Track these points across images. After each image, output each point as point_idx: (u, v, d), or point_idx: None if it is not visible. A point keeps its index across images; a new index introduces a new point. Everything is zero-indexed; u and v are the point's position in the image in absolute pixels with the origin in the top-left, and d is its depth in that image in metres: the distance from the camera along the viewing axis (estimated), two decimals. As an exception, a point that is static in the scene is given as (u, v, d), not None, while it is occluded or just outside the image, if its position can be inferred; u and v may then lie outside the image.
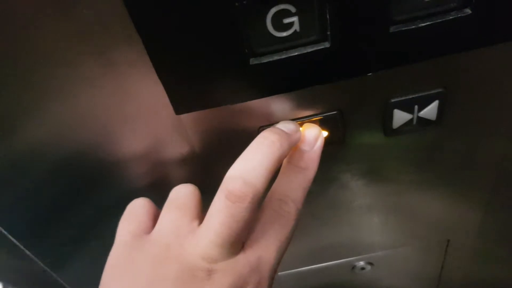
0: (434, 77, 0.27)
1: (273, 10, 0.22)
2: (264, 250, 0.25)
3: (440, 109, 0.28)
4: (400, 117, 0.29)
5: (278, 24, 0.22)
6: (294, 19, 0.22)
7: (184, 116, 0.27)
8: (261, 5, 0.22)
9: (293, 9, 0.22)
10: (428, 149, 0.33)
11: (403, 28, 0.23)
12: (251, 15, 0.22)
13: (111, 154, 0.29)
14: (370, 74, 0.25)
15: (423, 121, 0.29)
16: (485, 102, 0.29)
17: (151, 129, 0.28)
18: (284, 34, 0.23)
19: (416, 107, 0.28)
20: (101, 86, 0.25)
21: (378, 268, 0.48)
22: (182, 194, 0.28)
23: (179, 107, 0.26)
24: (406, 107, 0.28)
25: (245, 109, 0.27)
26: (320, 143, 0.28)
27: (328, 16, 0.22)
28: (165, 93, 0.25)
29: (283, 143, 0.25)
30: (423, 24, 0.23)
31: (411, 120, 0.29)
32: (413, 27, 0.23)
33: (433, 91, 0.27)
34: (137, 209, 0.28)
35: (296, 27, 0.23)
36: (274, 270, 0.26)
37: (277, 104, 0.28)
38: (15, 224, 0.33)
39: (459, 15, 0.23)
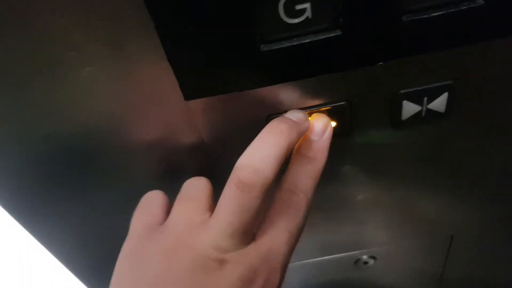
0: (445, 68, 0.27)
1: (286, -4, 0.22)
2: (275, 241, 0.25)
3: (450, 101, 0.28)
4: (409, 108, 0.28)
5: (290, 10, 0.22)
6: (307, 5, 0.22)
7: (193, 103, 0.27)
8: (273, -9, 0.21)
9: (305, -5, 0.22)
10: (435, 142, 0.33)
11: (416, 17, 0.23)
12: (263, 0, 0.22)
13: (117, 141, 0.29)
14: (381, 63, 0.25)
15: (432, 113, 0.29)
16: (495, 96, 0.29)
17: (159, 115, 0.28)
18: (296, 20, 0.23)
19: (425, 99, 0.28)
20: (110, 71, 0.25)
21: (382, 262, 0.48)
22: (194, 187, 0.28)
23: (189, 93, 0.25)
24: (415, 98, 0.28)
25: (253, 97, 0.27)
26: (328, 133, 0.27)
27: (340, 4, 0.22)
28: (174, 78, 0.25)
29: (292, 132, 0.25)
30: (435, 14, 0.23)
31: (420, 112, 0.29)
32: (426, 16, 0.23)
33: (443, 83, 0.27)
34: (150, 201, 0.29)
35: (308, 13, 0.22)
36: (286, 262, 0.26)
37: (286, 93, 0.27)
38: (19, 211, 0.33)
39: (472, 6, 0.23)
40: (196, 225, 0.25)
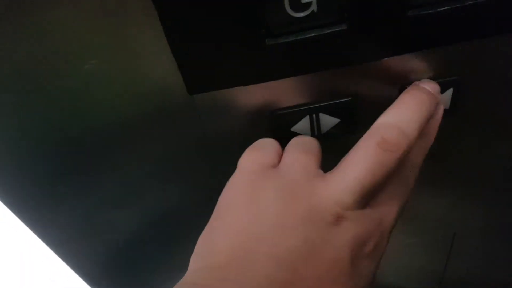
0: (450, 64, 0.27)
1: (292, -11, 0.22)
2: (387, 209, 0.25)
3: (454, 97, 0.28)
4: (413, 104, 0.28)
5: (296, 4, 0.22)
6: (312, -1, 0.22)
7: (197, 97, 0.27)
8: (279, -16, 0.21)
9: (311, -11, 0.22)
10: (438, 139, 0.32)
11: (422, 12, 0.23)
12: (269, -6, 0.22)
13: (120, 135, 0.29)
14: (386, 58, 0.25)
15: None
16: (501, 93, 0.29)
17: (163, 110, 0.28)
18: (302, 14, 0.23)
19: (430, 94, 0.28)
20: (114, 63, 0.25)
21: (383, 260, 0.48)
22: (307, 141, 0.27)
23: (193, 87, 0.25)
24: (420, 94, 0.28)
25: (258, 91, 0.27)
26: (441, 111, 0.27)
27: (346, -3, 0.22)
28: (178, 72, 0.25)
29: (432, 104, 0.25)
30: (441, 9, 0.23)
31: (425, 108, 0.29)
32: (431, 11, 0.23)
33: (448, 79, 0.27)
34: (264, 143, 0.27)
35: (314, 7, 0.22)
36: (391, 231, 0.26)
37: (290, 88, 0.27)
38: (22, 209, 0.33)
39: (478, 0, 0.23)
40: (314, 175, 0.24)
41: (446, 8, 0.23)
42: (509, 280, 0.50)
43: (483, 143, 0.33)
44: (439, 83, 0.27)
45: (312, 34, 0.23)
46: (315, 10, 0.23)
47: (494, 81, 0.28)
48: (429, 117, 0.24)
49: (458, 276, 0.51)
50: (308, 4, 0.22)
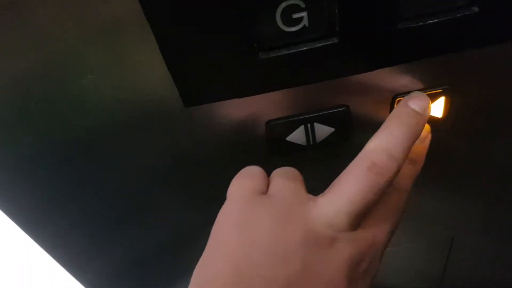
0: (441, 73, 0.27)
1: (283, 5, 0.22)
2: (379, 230, 0.25)
3: (447, 106, 0.29)
4: (406, 113, 0.29)
5: (287, 19, 0.23)
6: (303, 14, 0.23)
7: (193, 109, 0.27)
8: (271, 0, 0.22)
9: (302, 4, 0.22)
10: (433, 146, 0.33)
11: (411, 25, 0.23)
12: (261, 10, 0.22)
13: (117, 145, 0.30)
14: (377, 70, 0.25)
15: (429, 117, 0.29)
16: (491, 100, 0.29)
17: (159, 122, 0.28)
18: (293, 29, 0.23)
19: (422, 103, 0.28)
20: (111, 78, 0.25)
21: (382, 264, 0.48)
22: (291, 170, 0.28)
23: (188, 99, 0.26)
24: (413, 103, 0.28)
25: (253, 103, 0.27)
26: (430, 136, 0.28)
27: (337, 12, 0.22)
28: (174, 85, 0.25)
29: (418, 125, 0.25)
30: (431, 22, 0.24)
31: (417, 116, 0.29)
32: (421, 24, 0.24)
33: (440, 88, 0.28)
34: (251, 170, 0.28)
35: (305, 22, 0.23)
36: (383, 251, 0.26)
37: (284, 99, 0.28)
38: (17, 213, 0.33)
39: (466, 13, 0.23)
40: (305, 201, 0.25)
41: (435, 20, 0.23)
42: (507, 284, 0.50)
43: (476, 150, 0.33)
44: (431, 92, 0.28)
45: (304, 48, 0.24)
46: (307, 24, 0.23)
47: (484, 89, 0.28)
48: (417, 138, 0.25)
49: (457, 280, 0.51)
50: (300, 19, 0.23)
